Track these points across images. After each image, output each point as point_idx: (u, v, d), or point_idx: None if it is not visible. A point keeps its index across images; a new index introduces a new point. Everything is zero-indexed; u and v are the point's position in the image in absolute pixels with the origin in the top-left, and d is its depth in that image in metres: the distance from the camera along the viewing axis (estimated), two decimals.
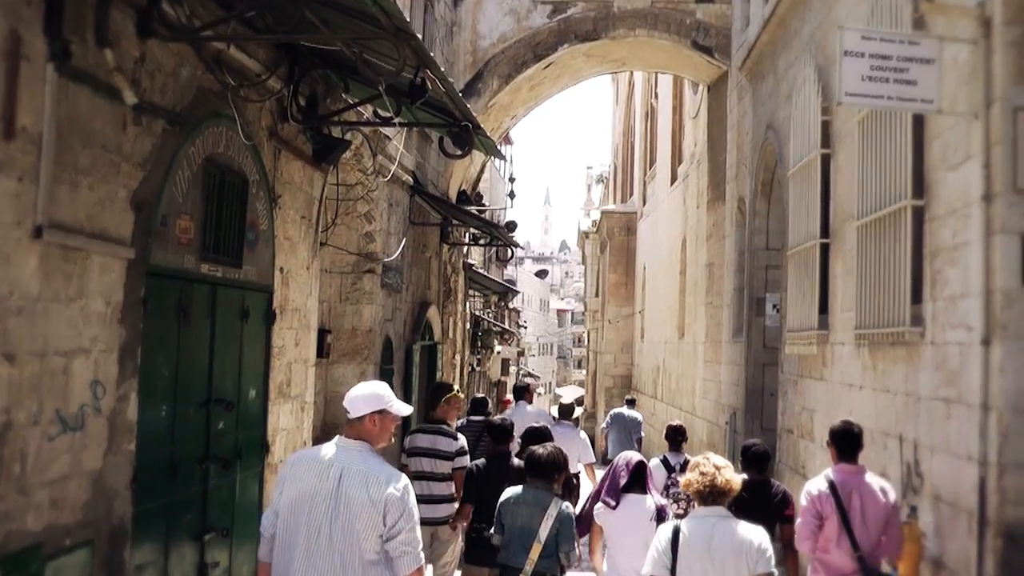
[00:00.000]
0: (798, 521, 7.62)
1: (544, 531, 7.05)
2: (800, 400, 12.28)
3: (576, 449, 13.18)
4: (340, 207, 12.72)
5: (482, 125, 10.73)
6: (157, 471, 7.58)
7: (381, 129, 13.24)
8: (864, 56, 7.65)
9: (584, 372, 61.94)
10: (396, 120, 9.81)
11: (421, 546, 5.36)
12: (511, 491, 7.48)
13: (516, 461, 8.75)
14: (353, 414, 5.49)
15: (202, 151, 8.29)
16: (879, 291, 9.07)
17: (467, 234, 21.03)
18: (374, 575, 5.21)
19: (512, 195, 26.40)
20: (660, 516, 7.35)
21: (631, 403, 21.95)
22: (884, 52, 7.67)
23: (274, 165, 9.98)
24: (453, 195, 19.80)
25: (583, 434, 14.43)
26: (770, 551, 5.63)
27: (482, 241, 21.40)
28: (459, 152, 10.26)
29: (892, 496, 7.56)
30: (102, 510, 6.68)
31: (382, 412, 5.48)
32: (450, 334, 20.77)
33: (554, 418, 14.48)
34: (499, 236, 19.17)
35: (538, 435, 9.14)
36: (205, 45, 8.04)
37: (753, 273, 15.95)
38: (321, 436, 13.37)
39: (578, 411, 13.86)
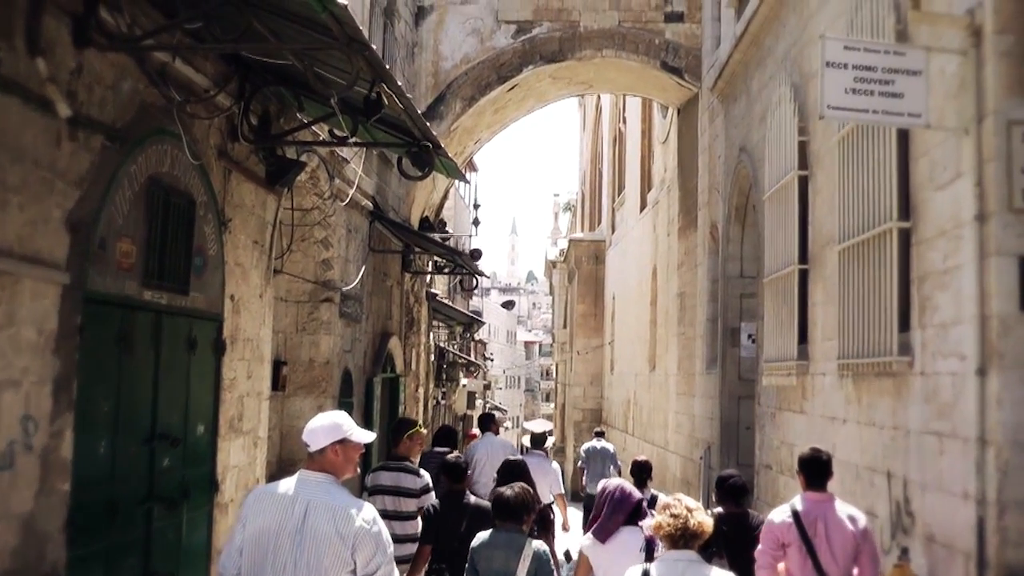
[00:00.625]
0: (758, 549, 7.33)
1: (522, 572, 6.86)
2: (779, 434, 11.80)
3: (548, 480, 12.90)
4: (296, 232, 12.18)
5: (445, 149, 10.25)
6: (95, 513, 7.08)
7: (338, 151, 12.73)
8: (847, 67, 7.23)
9: (552, 405, 61.47)
10: (352, 140, 9.32)
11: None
12: (482, 536, 7.22)
13: (472, 499, 8.53)
14: (313, 447, 5.27)
15: (145, 170, 7.83)
16: (863, 319, 8.62)
17: (430, 262, 20.49)
18: None
19: (476, 222, 25.88)
20: (649, 549, 6.97)
21: (600, 435, 21.39)
22: (868, 63, 7.24)
23: (224, 187, 9.47)
24: (415, 221, 19.27)
25: (555, 464, 14.17)
26: None
27: (446, 270, 20.87)
28: (419, 173, 9.79)
29: (862, 523, 7.17)
30: (32, 556, 6.20)
31: (343, 442, 5.28)
32: (413, 366, 20.19)
33: (525, 447, 13.98)
34: (463, 264, 18.62)
35: (514, 469, 8.91)
36: (148, 57, 7.60)
37: (727, 302, 15.52)
38: (277, 473, 12.81)
39: (550, 441, 13.52)
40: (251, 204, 10.22)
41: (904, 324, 7.92)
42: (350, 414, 13.18)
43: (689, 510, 5.38)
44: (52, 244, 6.36)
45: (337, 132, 10.06)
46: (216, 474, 9.50)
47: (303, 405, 13.25)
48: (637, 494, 7.32)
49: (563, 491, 13.99)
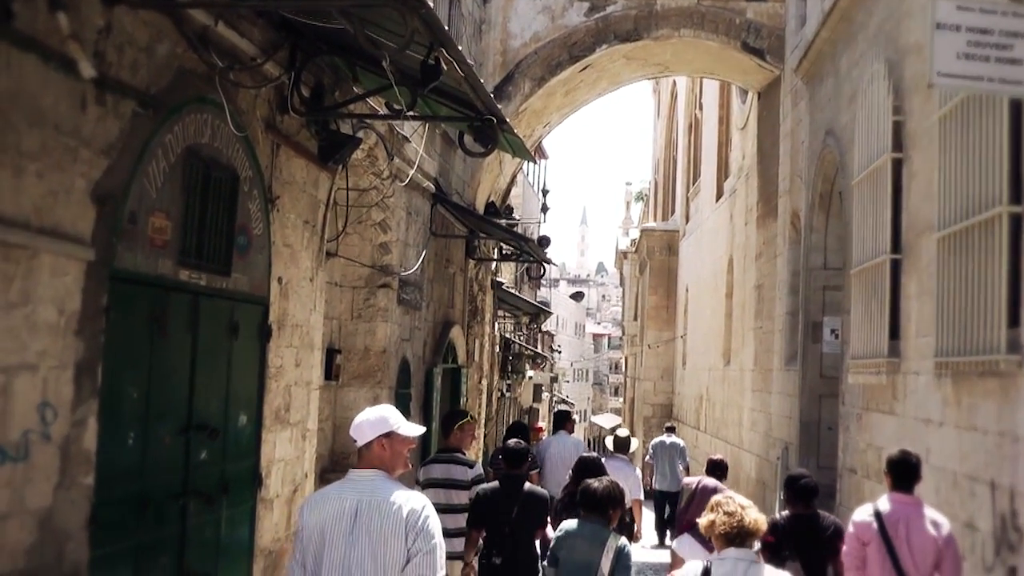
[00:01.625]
0: (843, 551, 7.32)
1: (606, 565, 6.89)
2: (865, 436, 10.97)
3: (628, 484, 11.94)
4: (351, 214, 11.55)
5: (511, 125, 9.55)
6: (122, 509, 6.59)
7: (399, 129, 12.09)
8: (960, 30, 6.43)
9: (621, 400, 60.66)
10: (409, 113, 8.65)
11: (443, 572, 5.05)
12: (567, 525, 7.27)
13: (528, 485, 8.39)
14: (360, 441, 5.22)
15: (182, 140, 7.27)
16: (965, 313, 7.80)
17: (495, 249, 19.79)
18: None
19: (545, 208, 25.02)
20: None
21: (671, 430, 20.86)
22: (984, 25, 6.43)
23: (271, 162, 8.86)
24: (480, 206, 18.55)
25: (637, 470, 13.49)
26: None
27: (512, 257, 20.16)
28: (482, 149, 9.11)
29: (945, 529, 7.00)
30: (50, 556, 5.74)
31: (390, 435, 5.20)
32: (476, 357, 19.53)
33: (607, 450, 13.47)
34: (530, 251, 17.83)
35: (590, 467, 8.76)
36: (187, 19, 7.05)
37: (809, 295, 14.66)
38: (329, 467, 12.25)
39: (634, 444, 13.09)
40: (302, 181, 9.61)
41: (1014, 319, 7.11)
42: (407, 406, 12.77)
43: (742, 508, 5.23)
44: (75, 217, 5.84)
45: (395, 106, 9.40)
46: (260, 468, 8.93)
47: (357, 396, 12.64)
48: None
49: (642, 498, 13.49)
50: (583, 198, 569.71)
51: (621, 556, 6.96)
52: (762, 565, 5.22)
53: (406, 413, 13.25)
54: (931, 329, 8.74)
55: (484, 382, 20.66)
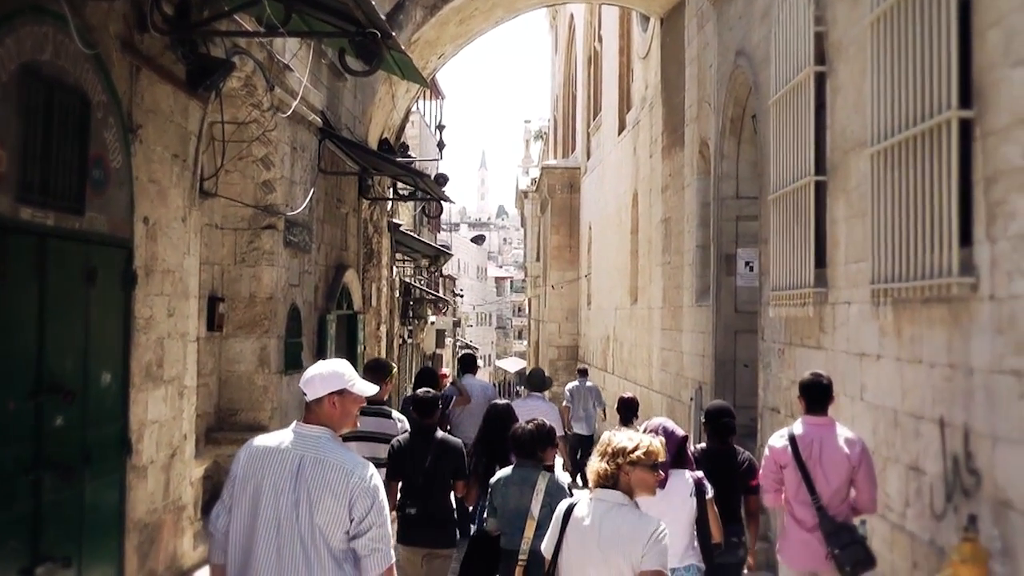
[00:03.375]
0: (760, 472, 7.45)
1: (536, 507, 6.90)
2: (789, 372, 10.30)
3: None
4: (230, 149, 10.52)
5: (398, 42, 8.59)
6: None
7: (279, 57, 11.02)
8: None
9: (525, 343, 60.18)
10: (284, 29, 7.66)
11: (392, 542, 4.94)
12: (500, 473, 7.36)
13: (440, 434, 8.16)
14: (310, 396, 4.85)
15: (15, 56, 6.24)
16: (906, 234, 7.07)
17: (390, 188, 18.76)
18: (340, 574, 4.66)
19: (442, 145, 23.86)
20: (700, 490, 6.73)
21: (583, 373, 20.36)
22: None
23: (131, 87, 7.85)
24: (373, 143, 17.48)
25: (555, 408, 13.04)
26: (664, 545, 4.77)
27: (408, 197, 19.16)
28: (365, 67, 8.13)
29: (859, 447, 7.04)
30: None
31: (342, 393, 4.87)
32: (374, 302, 18.56)
33: (518, 391, 12.85)
34: (427, 188, 16.74)
35: (501, 415, 8.56)
36: None
37: (721, 226, 13.98)
38: (215, 425, 11.33)
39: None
40: (168, 110, 8.59)
41: (965, 238, 6.37)
42: (299, 356, 11.78)
43: (619, 446, 4.93)
44: None
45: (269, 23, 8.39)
46: (129, 432, 7.97)
47: (244, 347, 11.63)
48: (680, 431, 6.90)
49: (564, 435, 13.41)
50: (482, 142, 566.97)
51: (554, 492, 6.93)
52: (629, 507, 4.87)
53: (297, 363, 12.39)
54: (864, 254, 8.03)
55: (383, 328, 19.70)
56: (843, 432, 7.17)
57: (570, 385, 19.46)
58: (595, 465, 5.01)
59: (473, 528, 8.41)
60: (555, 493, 6.91)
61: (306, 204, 12.58)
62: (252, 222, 11.70)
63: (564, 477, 7.49)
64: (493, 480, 7.37)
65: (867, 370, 8.09)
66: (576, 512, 4.99)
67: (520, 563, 6.82)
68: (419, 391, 8.73)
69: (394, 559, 4.82)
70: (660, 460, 5.02)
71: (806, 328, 9.77)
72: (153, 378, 8.41)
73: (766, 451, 7.40)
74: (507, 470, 7.35)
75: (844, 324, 8.69)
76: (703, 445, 8.21)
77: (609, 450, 4.98)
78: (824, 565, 6.93)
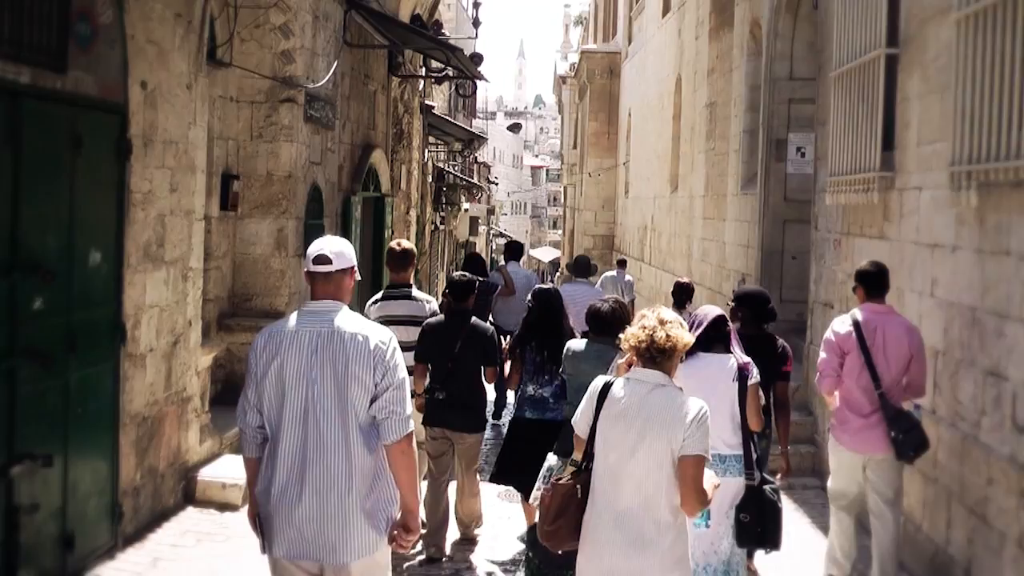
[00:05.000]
0: (821, 358, 7.19)
1: None
2: (845, 265, 9.48)
3: None
4: (244, 16, 9.68)
5: None
6: None
7: None
8: None
9: (560, 232, 59.37)
10: None
11: (410, 410, 4.58)
12: (574, 345, 7.24)
13: (473, 321, 7.97)
14: (336, 265, 4.63)
15: None
16: (997, 110, 6.21)
17: (422, 68, 17.80)
18: (372, 447, 4.51)
19: (477, 23, 22.70)
20: (742, 376, 6.37)
21: (622, 264, 19.81)
22: None
23: None
24: (405, 19, 16.50)
25: (601, 293, 12.81)
26: (707, 428, 4.48)
27: (441, 75, 18.18)
28: None
29: (917, 335, 6.92)
30: None
31: (353, 269, 4.76)
32: (403, 185, 17.76)
33: (568, 275, 12.51)
34: (461, 63, 15.74)
35: (550, 299, 8.05)
36: None
37: (773, 109, 13.07)
38: (228, 310, 10.63)
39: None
40: None
41: None
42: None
43: (661, 322, 4.63)
44: None
45: None
46: (123, 317, 7.26)
47: (260, 228, 10.90)
48: (718, 312, 6.53)
49: None
50: (520, 31, 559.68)
51: None
52: (669, 389, 4.57)
53: None
54: (941, 134, 7.18)
55: (413, 213, 18.92)
56: (903, 320, 7.06)
57: (604, 275, 18.88)
58: (632, 335, 4.70)
59: (510, 412, 8.33)
60: None
61: (329, 77, 11.73)
62: (270, 95, 10.88)
63: None
64: (567, 351, 7.25)
65: (940, 263, 7.27)
66: (613, 391, 4.70)
67: (576, 436, 6.52)
68: (455, 274, 8.52)
69: (412, 427, 4.59)
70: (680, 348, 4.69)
71: (868, 216, 8.93)
72: (152, 258, 7.69)
73: (829, 336, 7.11)
74: (581, 343, 7.25)
75: (913, 212, 7.85)
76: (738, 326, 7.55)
77: (650, 324, 4.65)
78: (881, 449, 6.84)
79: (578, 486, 4.70)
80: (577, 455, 4.91)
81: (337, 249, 4.67)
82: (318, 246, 4.68)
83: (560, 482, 4.78)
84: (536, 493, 7.02)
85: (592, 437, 4.69)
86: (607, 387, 4.73)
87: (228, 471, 8.81)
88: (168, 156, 7.87)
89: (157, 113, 7.64)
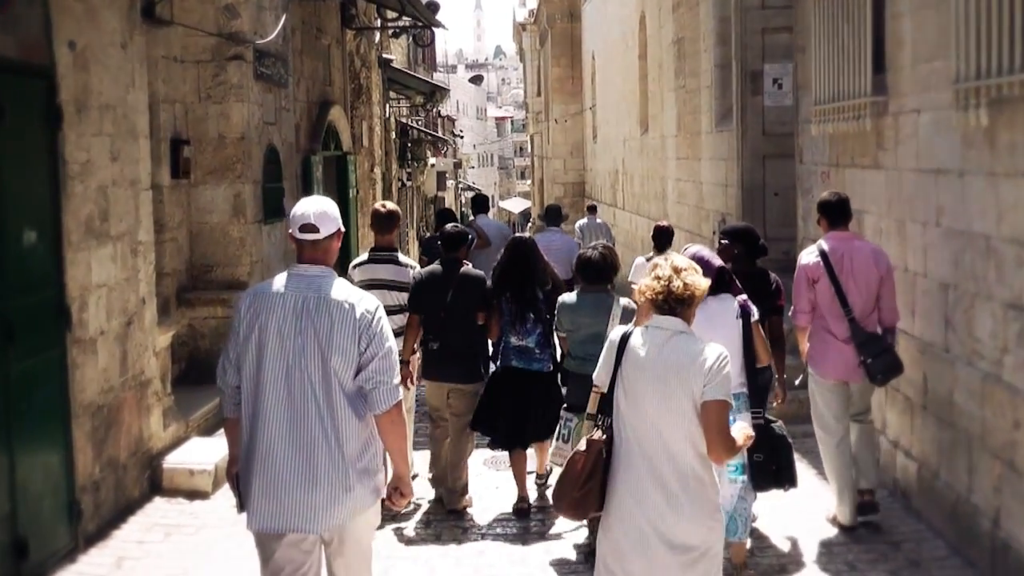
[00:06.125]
0: (795, 295, 7.24)
1: (613, 332, 5.96)
2: None
3: (572, 257, 10.48)
4: None
5: None
6: None
7: None
8: None
9: (529, 183, 58.80)
10: None
11: (398, 378, 4.54)
12: (566, 298, 7.30)
13: (463, 269, 7.96)
14: (323, 232, 4.56)
15: None
16: (1004, 18, 5.66)
17: (377, 21, 17.11)
18: (359, 413, 4.47)
19: None
20: (745, 313, 6.22)
21: (592, 210, 19.86)
22: None
23: None
24: None
25: (573, 240, 13.01)
26: (727, 374, 4.36)
27: (397, 26, 17.51)
28: None
29: (885, 258, 7.06)
30: None
31: (340, 232, 4.71)
32: (365, 142, 17.12)
33: (541, 224, 12.61)
34: (416, 10, 15.01)
35: (523, 246, 7.99)
36: None
37: (746, 41, 12.55)
38: (187, 283, 10.05)
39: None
40: None
41: None
42: (280, 201, 10.43)
43: (676, 271, 4.50)
44: None
45: None
46: (66, 299, 6.67)
47: (215, 195, 10.28)
48: (718, 260, 6.34)
49: None
50: None
51: (627, 316, 6.76)
52: (689, 336, 4.45)
53: (278, 211, 11.05)
54: (941, 50, 6.64)
55: (378, 170, 18.31)
56: (868, 245, 7.20)
57: (580, 222, 18.72)
58: (646, 285, 4.54)
59: (494, 364, 8.03)
60: (630, 316, 6.65)
61: (278, 32, 11.07)
62: (216, 53, 10.22)
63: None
64: (560, 302, 7.30)
65: (946, 189, 6.74)
66: (632, 341, 4.56)
67: (595, 390, 6.28)
68: (448, 225, 8.62)
69: (401, 396, 4.55)
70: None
71: (859, 145, 8.40)
72: (96, 234, 7.10)
73: (797, 269, 7.21)
74: (572, 295, 7.28)
75: (911, 137, 7.32)
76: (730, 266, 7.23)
77: (665, 273, 4.48)
78: (856, 375, 7.00)
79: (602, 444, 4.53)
80: (592, 408, 4.91)
81: (321, 212, 4.56)
82: (302, 211, 4.56)
83: (593, 439, 4.55)
84: (554, 454, 7.09)
85: (611, 390, 4.57)
86: (626, 338, 4.59)
87: (196, 456, 8.30)
88: (106, 122, 7.26)
89: (90, 76, 7.02)
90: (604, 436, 4.52)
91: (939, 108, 6.75)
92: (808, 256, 7.18)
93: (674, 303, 4.45)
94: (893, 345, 7.00)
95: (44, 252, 6.45)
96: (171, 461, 8.18)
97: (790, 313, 7.37)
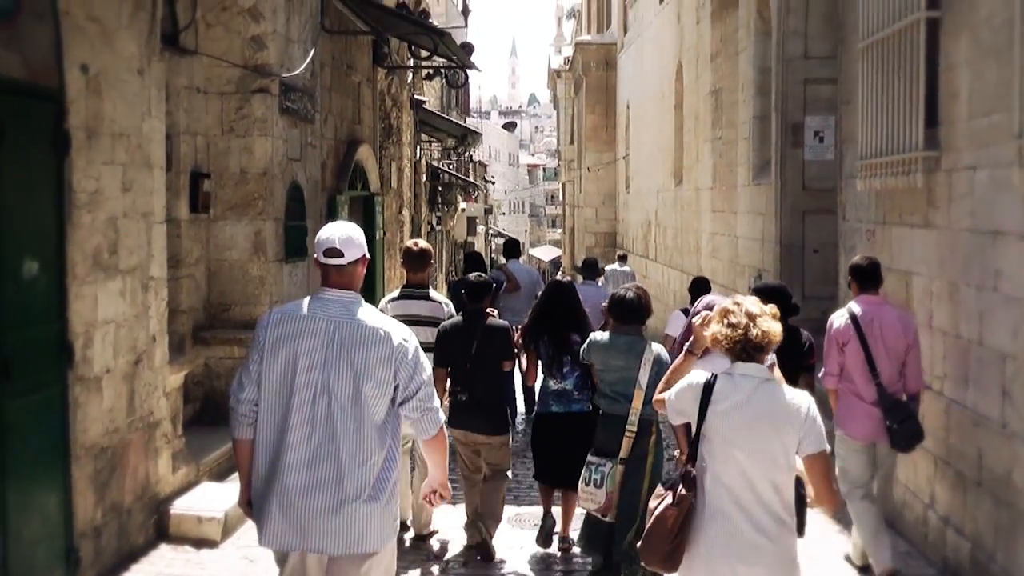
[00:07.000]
0: (825, 358, 7.29)
1: (644, 376, 6.82)
2: (883, 256, 8.48)
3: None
4: None
5: None
6: None
7: None
8: None
9: (560, 231, 58.53)
10: None
11: (438, 402, 4.62)
12: (599, 337, 7.20)
13: (490, 320, 7.84)
14: (348, 258, 4.51)
15: None
16: None
17: (410, 58, 16.83)
18: (384, 441, 4.45)
19: (467, 11, 21.63)
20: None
21: (623, 259, 20.02)
22: None
23: None
24: (389, 5, 15.53)
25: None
26: (821, 424, 4.28)
27: (430, 65, 17.24)
28: None
29: (914, 326, 7.13)
30: None
31: (364, 258, 4.64)
32: (394, 183, 16.82)
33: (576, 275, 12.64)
34: (449, 50, 14.68)
35: (564, 292, 8.10)
36: None
37: (787, 92, 12.14)
38: (205, 322, 9.73)
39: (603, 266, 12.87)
40: None
41: None
42: (303, 240, 10.07)
43: (751, 317, 4.41)
44: None
45: None
46: (69, 335, 6.32)
47: (235, 231, 9.95)
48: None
49: None
50: (512, 29, 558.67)
51: (662, 365, 6.76)
52: (773, 384, 4.39)
53: (300, 249, 10.71)
54: (1001, 102, 6.25)
55: (407, 212, 18.00)
56: (897, 311, 7.23)
57: (608, 268, 18.80)
58: (721, 333, 4.44)
59: (533, 406, 8.37)
60: (663, 365, 6.72)
61: (306, 65, 10.77)
62: (241, 85, 9.92)
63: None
64: (592, 340, 7.21)
65: (1005, 251, 6.32)
66: (719, 388, 4.41)
67: (628, 434, 6.79)
68: (471, 275, 8.47)
69: (444, 418, 4.68)
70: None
71: (909, 202, 7.99)
72: (104, 268, 6.76)
73: (828, 331, 7.23)
74: (604, 334, 7.20)
75: (966, 195, 6.91)
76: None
77: (740, 320, 4.39)
78: (884, 436, 6.98)
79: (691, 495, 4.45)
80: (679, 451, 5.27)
81: (347, 237, 4.53)
82: (327, 236, 4.54)
83: (683, 494, 4.43)
84: (584, 500, 6.94)
85: (695, 439, 4.46)
86: (711, 382, 4.44)
87: (205, 502, 7.92)
88: (118, 151, 6.94)
89: (103, 101, 6.71)
90: (692, 493, 4.41)
91: (998, 165, 6.35)
92: (839, 319, 7.22)
93: (752, 350, 4.39)
94: (916, 412, 7.02)
95: (46, 285, 6.11)
96: (179, 507, 7.80)
97: (820, 375, 7.33)
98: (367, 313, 4.50)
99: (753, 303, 4.51)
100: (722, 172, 16.25)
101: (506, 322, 8.10)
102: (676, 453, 6.60)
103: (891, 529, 7.65)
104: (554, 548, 7.90)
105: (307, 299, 4.55)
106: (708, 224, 17.49)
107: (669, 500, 4.42)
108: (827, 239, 11.03)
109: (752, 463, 4.27)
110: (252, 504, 4.52)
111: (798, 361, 7.24)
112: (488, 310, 7.99)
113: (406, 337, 4.49)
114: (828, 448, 4.32)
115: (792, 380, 6.35)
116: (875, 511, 7.08)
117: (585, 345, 7.27)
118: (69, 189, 6.31)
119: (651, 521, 4.47)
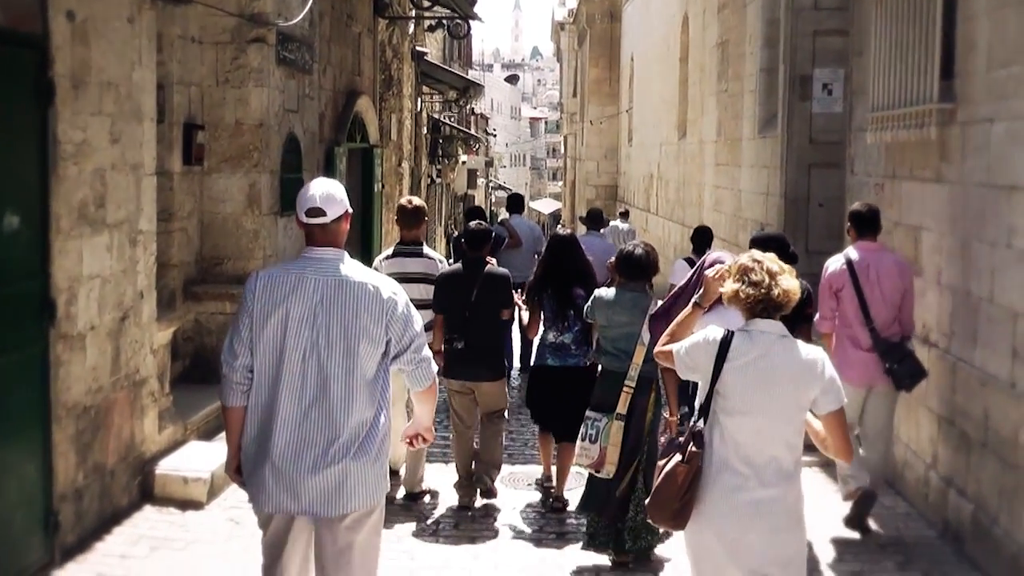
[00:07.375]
0: (819, 301, 7.28)
1: (647, 334, 6.59)
2: (891, 212, 8.33)
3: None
4: None
5: None
6: None
7: None
8: None
9: (560, 184, 58.26)
10: None
11: (430, 352, 4.68)
12: (605, 293, 7.13)
13: (488, 268, 7.89)
14: (331, 215, 4.43)
15: None
16: None
17: (412, 10, 16.56)
18: (374, 397, 4.42)
19: None
20: None
21: (624, 215, 19.82)
22: None
23: None
24: None
25: (613, 246, 12.58)
26: (839, 382, 4.28)
27: (430, 13, 16.96)
28: None
29: (910, 273, 7.23)
30: None
31: (347, 214, 4.57)
32: (393, 135, 16.58)
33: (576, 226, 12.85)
34: (452, 2, 14.50)
35: (566, 243, 8.05)
36: None
37: (796, 43, 11.81)
38: (196, 277, 9.52)
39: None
40: None
41: None
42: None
43: (772, 275, 4.37)
44: None
45: None
46: (52, 291, 6.13)
47: (229, 184, 9.73)
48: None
49: None
50: None
51: None
52: (790, 340, 4.40)
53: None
54: (1020, 55, 6.04)
55: (406, 165, 17.76)
56: (894, 256, 7.33)
57: (611, 224, 18.65)
58: (743, 292, 4.37)
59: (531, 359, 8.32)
60: None
61: (304, 15, 10.50)
62: (236, 35, 9.66)
63: None
64: (596, 296, 7.15)
65: (1021, 207, 6.11)
66: (735, 344, 4.36)
67: (627, 389, 6.69)
68: (471, 223, 8.43)
69: (435, 369, 4.72)
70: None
71: (920, 156, 7.78)
72: (91, 221, 6.56)
73: (822, 276, 7.29)
74: (610, 291, 7.12)
75: (982, 149, 6.69)
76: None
77: (762, 279, 4.34)
78: (881, 380, 7.08)
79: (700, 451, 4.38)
80: (675, 407, 5.69)
81: (327, 194, 4.46)
82: (308, 195, 4.47)
83: (694, 451, 4.34)
84: (579, 456, 6.86)
85: (708, 395, 4.39)
86: (728, 338, 4.39)
87: (192, 462, 7.76)
88: (106, 101, 6.72)
89: (90, 50, 6.48)
90: (701, 450, 4.34)
91: (1016, 118, 6.14)
92: (834, 264, 7.29)
93: (772, 309, 4.38)
94: (913, 351, 7.10)
95: (28, 239, 5.92)
96: (164, 467, 7.63)
97: (815, 321, 7.15)
98: (354, 269, 4.47)
99: (772, 260, 4.45)
100: (727, 125, 15.98)
101: (506, 270, 8.14)
102: (666, 415, 6.70)
103: (891, 489, 7.87)
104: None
105: (291, 261, 4.55)
106: (711, 177, 17.25)
107: (679, 458, 4.34)
108: (833, 193, 10.79)
109: (767, 419, 4.25)
110: (242, 471, 4.47)
111: (797, 311, 7.07)
112: (488, 259, 7.99)
113: (395, 291, 4.48)
114: (845, 402, 4.30)
115: (790, 330, 6.26)
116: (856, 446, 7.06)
117: (590, 302, 7.23)
118: (54, 140, 6.10)
119: (660, 479, 4.39)
